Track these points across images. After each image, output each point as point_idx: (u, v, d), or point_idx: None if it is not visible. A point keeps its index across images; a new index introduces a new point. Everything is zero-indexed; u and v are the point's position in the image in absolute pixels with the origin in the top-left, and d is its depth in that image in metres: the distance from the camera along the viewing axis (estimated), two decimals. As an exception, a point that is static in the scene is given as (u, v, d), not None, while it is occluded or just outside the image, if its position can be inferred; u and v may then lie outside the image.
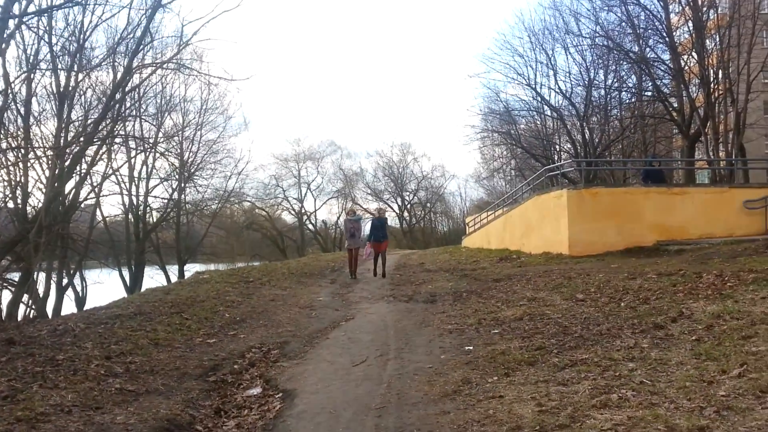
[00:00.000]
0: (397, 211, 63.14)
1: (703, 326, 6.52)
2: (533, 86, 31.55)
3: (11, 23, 9.63)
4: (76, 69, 13.85)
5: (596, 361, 5.80)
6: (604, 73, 29.87)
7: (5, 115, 12.55)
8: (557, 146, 35.54)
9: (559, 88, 31.54)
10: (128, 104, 17.83)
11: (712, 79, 23.60)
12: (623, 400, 4.57)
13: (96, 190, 22.26)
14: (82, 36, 13.91)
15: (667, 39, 24.78)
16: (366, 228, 18.46)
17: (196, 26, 22.93)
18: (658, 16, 24.98)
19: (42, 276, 16.03)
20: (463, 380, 5.65)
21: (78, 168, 13.69)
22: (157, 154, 28.77)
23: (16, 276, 13.45)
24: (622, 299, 8.76)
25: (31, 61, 13.53)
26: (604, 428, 4.05)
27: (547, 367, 5.82)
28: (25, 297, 12.67)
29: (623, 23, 26.01)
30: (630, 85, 29.64)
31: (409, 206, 64.25)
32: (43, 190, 13.16)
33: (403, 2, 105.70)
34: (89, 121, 13.58)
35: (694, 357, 5.51)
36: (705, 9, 23.70)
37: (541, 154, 33.58)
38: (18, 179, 13.57)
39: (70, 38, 13.74)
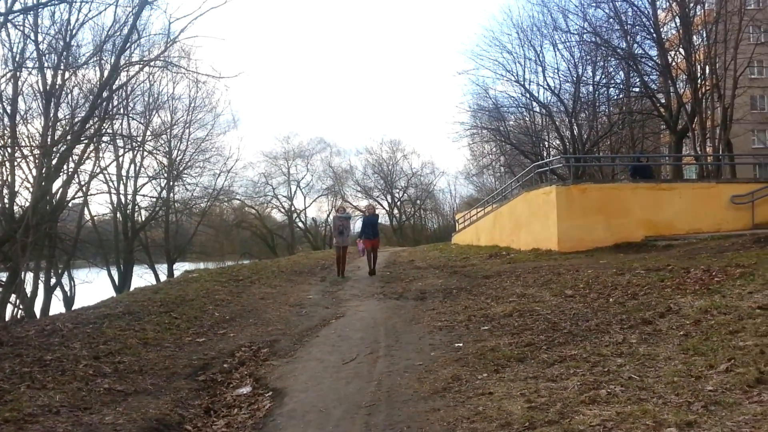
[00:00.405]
0: (387, 209, 63.24)
1: (691, 321, 6.56)
2: (522, 83, 31.65)
3: (-4, 21, 9.56)
4: (62, 67, 13.75)
5: (585, 356, 5.82)
6: (592, 69, 30.03)
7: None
8: (546, 143, 35.69)
9: (548, 84, 31.66)
10: (115, 102, 17.78)
11: (699, 74, 23.75)
12: (612, 396, 4.59)
13: (84, 188, 22.15)
14: (68, 34, 13.83)
15: (654, 35, 24.91)
16: (357, 225, 18.29)
17: (184, 23, 22.94)
18: (646, 12, 25.12)
19: (30, 276, 15.96)
20: (453, 377, 5.66)
21: (65, 167, 13.62)
22: (145, 153, 28.75)
23: (3, 276, 13.36)
24: (611, 295, 8.79)
25: (17, 59, 13.43)
26: (592, 424, 4.06)
27: (537, 364, 5.84)
28: (13, 297, 12.59)
29: (611, 19, 26.14)
30: (618, 81, 29.77)
31: (399, 203, 64.37)
32: (30, 189, 13.08)
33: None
34: (76, 120, 13.49)
35: (682, 352, 5.54)
36: (692, 5, 23.85)
37: (530, 151, 33.69)
38: (5, 178, 13.49)
39: (56, 36, 13.64)
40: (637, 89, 28.10)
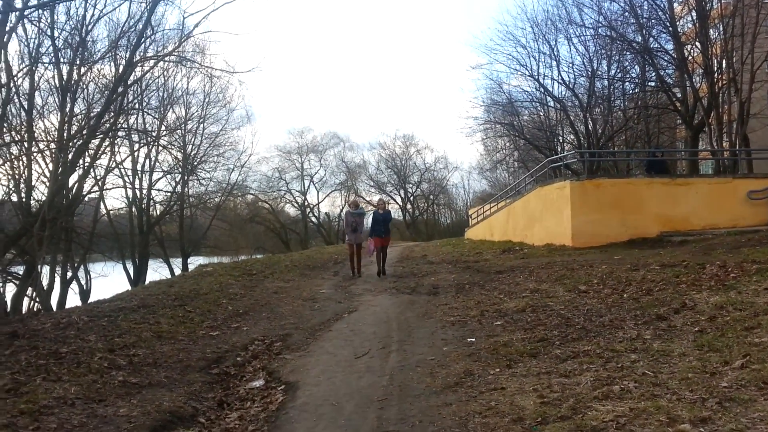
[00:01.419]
0: (400, 204, 63.15)
1: (706, 317, 6.51)
2: (536, 77, 31.46)
3: (13, 17, 9.64)
4: (78, 62, 13.85)
5: (598, 352, 5.79)
6: (607, 63, 29.72)
7: (8, 108, 12.58)
8: (560, 137, 35.42)
9: (562, 78, 31.46)
10: (130, 97, 17.91)
11: (715, 68, 23.47)
12: (625, 392, 4.56)
13: (99, 183, 22.34)
14: (84, 29, 13.90)
15: (670, 28, 24.63)
16: (368, 222, 17.76)
17: (198, 18, 22.97)
18: (662, 5, 24.84)
19: (46, 269, 16.09)
20: (465, 372, 5.65)
21: (81, 161, 13.74)
22: (160, 147, 28.82)
23: (20, 269, 13.51)
24: (625, 290, 8.74)
25: (33, 54, 13.54)
26: (605, 420, 4.04)
27: (550, 359, 5.81)
28: (30, 290, 12.73)
29: (626, 13, 25.88)
30: (633, 75, 29.52)
31: (412, 198, 64.21)
32: (47, 184, 13.22)
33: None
34: (92, 115, 13.60)
35: (697, 348, 5.50)
36: (709, -2, 23.55)
37: (544, 146, 33.46)
38: (21, 172, 13.63)
39: (72, 32, 13.74)
40: (653, 83, 27.83)
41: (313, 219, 62.02)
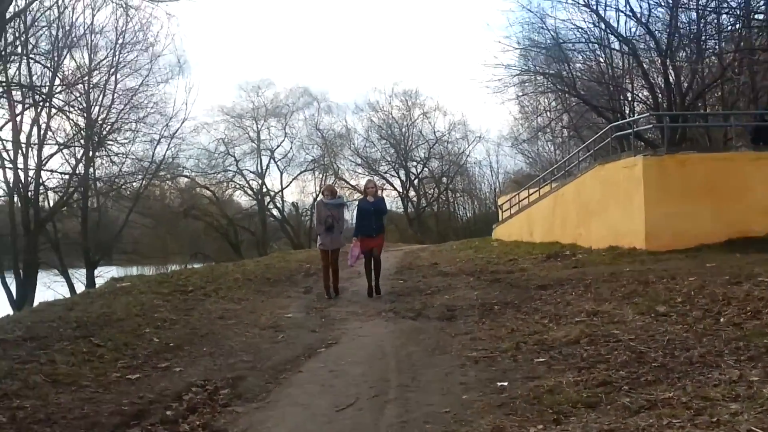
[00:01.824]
0: (400, 190, 63.23)
1: (838, 351, 6.55)
2: (593, 7, 31.39)
3: None
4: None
5: (685, 401, 5.82)
6: (696, -13, 29.74)
7: None
8: (629, 94, 35.44)
9: (632, 9, 31.32)
10: (10, 38, 17.79)
11: None
12: (723, 457, 4.59)
13: (-34, 161, 22.27)
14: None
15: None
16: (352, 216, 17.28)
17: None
18: None
19: None
20: (494, 430, 5.67)
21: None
22: (54, 110, 28.68)
23: None
24: (722, 313, 8.78)
25: None
26: (695, 497, 4.07)
27: (615, 411, 5.84)
28: None
29: None
30: (733, 5, 29.51)
31: (416, 182, 64.22)
32: None
33: None
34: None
35: (825, 394, 5.53)
36: None
37: (606, 106, 33.46)
38: None
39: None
40: (762, 16, 27.84)
41: (275, 212, 62.03)
